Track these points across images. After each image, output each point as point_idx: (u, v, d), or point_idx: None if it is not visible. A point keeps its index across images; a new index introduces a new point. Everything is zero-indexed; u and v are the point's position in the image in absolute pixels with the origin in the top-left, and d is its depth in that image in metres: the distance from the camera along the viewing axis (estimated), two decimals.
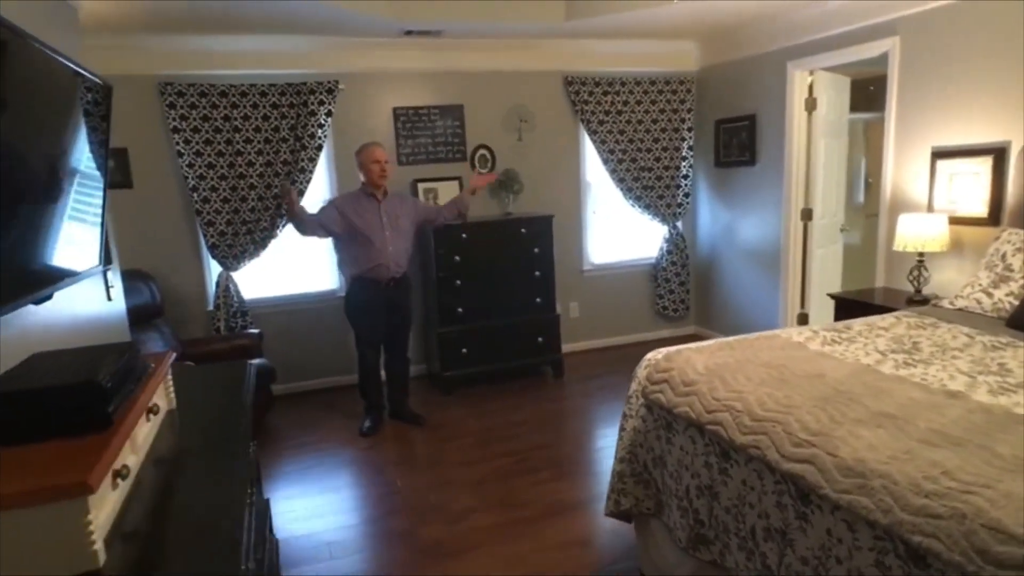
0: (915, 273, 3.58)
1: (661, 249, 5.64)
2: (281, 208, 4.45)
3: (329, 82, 4.57)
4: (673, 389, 2.13)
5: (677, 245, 5.63)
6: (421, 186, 4.93)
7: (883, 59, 3.88)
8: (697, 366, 2.16)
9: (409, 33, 4.50)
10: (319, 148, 4.59)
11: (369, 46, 4.63)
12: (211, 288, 4.57)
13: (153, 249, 4.40)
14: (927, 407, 1.73)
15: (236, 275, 4.55)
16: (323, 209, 3.92)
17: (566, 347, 5.42)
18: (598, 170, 5.40)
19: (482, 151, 5.09)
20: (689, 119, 5.49)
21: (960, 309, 2.94)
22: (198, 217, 4.40)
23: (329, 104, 4.58)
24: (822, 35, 4.29)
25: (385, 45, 4.65)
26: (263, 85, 4.44)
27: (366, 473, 3.55)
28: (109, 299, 2.78)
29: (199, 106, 4.32)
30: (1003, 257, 2.93)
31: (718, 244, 5.56)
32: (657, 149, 5.45)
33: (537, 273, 4.81)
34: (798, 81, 4.56)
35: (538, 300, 4.85)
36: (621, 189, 5.39)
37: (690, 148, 5.53)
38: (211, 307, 4.55)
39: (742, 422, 1.81)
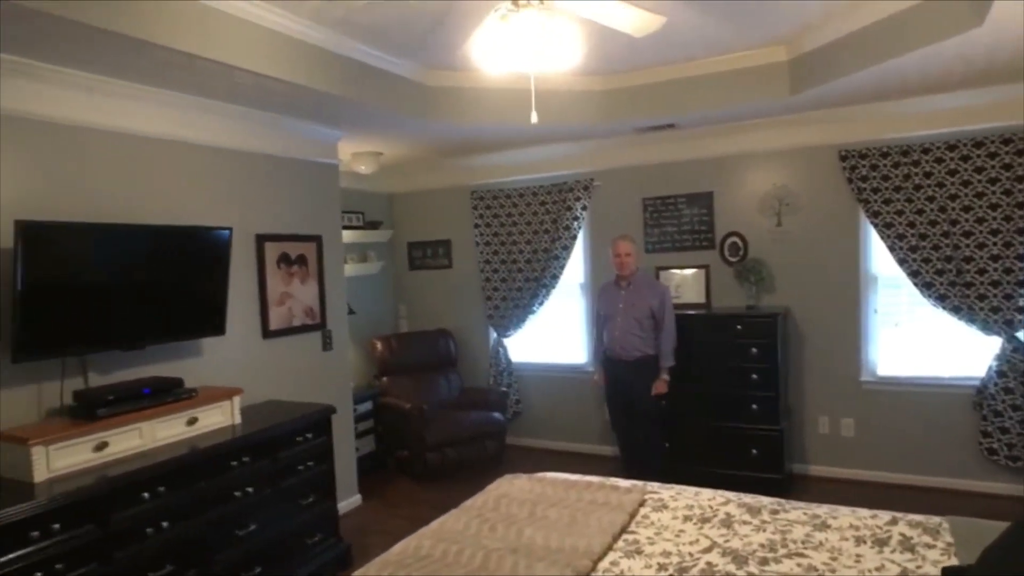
0: None
1: (990, 368, 4.18)
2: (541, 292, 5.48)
3: (585, 180, 5.33)
4: None
5: (1015, 366, 4.07)
6: (663, 274, 5.13)
7: None
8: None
9: (642, 130, 4.86)
10: (573, 238, 5.39)
11: (620, 145, 5.18)
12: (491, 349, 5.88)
13: (459, 314, 5.99)
14: None
15: (507, 340, 5.72)
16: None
17: (831, 471, 4.69)
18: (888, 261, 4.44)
19: (733, 239, 4.92)
20: None
21: None
22: (483, 292, 5.77)
23: (585, 199, 5.34)
24: None
25: (634, 142, 5.11)
26: (534, 187, 5.54)
27: None
28: (326, 349, 4.34)
29: (492, 206, 5.71)
30: None
31: None
32: (981, 232, 4.13)
33: (754, 377, 4.39)
34: None
35: (753, 407, 4.41)
36: (917, 285, 4.30)
37: None
38: (489, 364, 5.85)
39: None
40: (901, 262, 4.33)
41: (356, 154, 5.06)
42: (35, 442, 2.42)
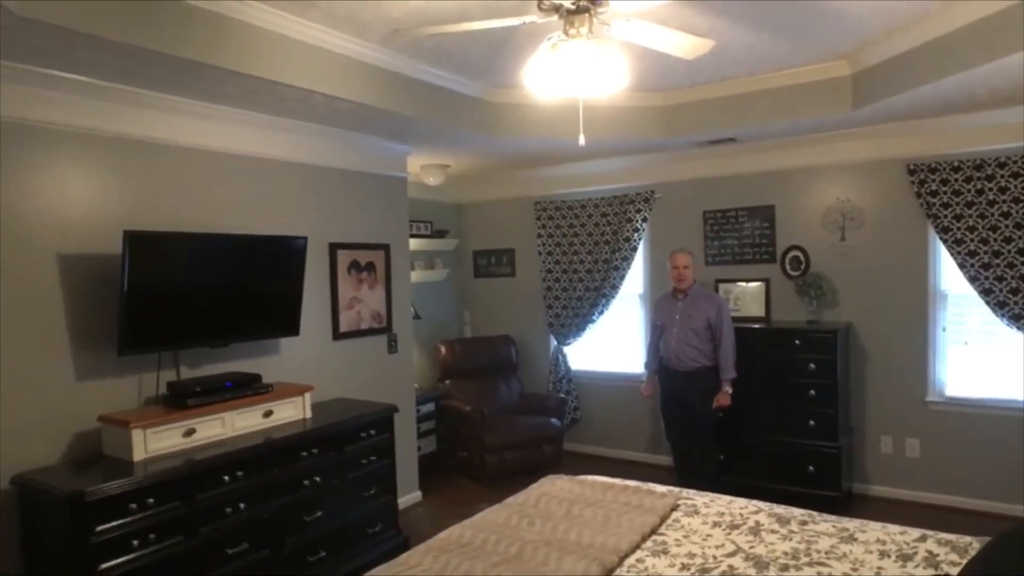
0: None
1: None
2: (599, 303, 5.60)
3: (646, 192, 5.43)
4: None
5: None
6: (722, 286, 5.16)
7: None
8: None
9: (702, 144, 4.93)
10: (634, 249, 5.50)
11: (681, 158, 5.26)
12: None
13: (521, 321, 6.18)
14: None
15: (566, 348, 5.88)
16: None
17: (894, 492, 4.63)
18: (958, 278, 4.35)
19: (794, 252, 4.92)
20: None
21: None
22: (544, 301, 5.94)
23: (645, 211, 5.45)
24: None
25: (694, 155, 5.18)
26: (596, 198, 5.68)
27: None
28: (391, 352, 4.63)
29: (555, 217, 5.89)
30: None
31: None
32: None
33: (812, 392, 4.38)
34: None
35: (811, 423, 4.40)
36: (990, 304, 4.19)
37: None
38: (548, 371, 6.01)
39: None
40: (972, 280, 4.23)
41: (424, 166, 5.34)
42: (135, 426, 2.76)
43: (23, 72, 2.64)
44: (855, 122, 4.28)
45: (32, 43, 2.41)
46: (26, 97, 2.71)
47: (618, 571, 1.89)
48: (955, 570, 1.84)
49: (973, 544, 1.99)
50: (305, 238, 3.71)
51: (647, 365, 4.89)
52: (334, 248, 4.17)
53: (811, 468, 4.39)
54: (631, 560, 1.95)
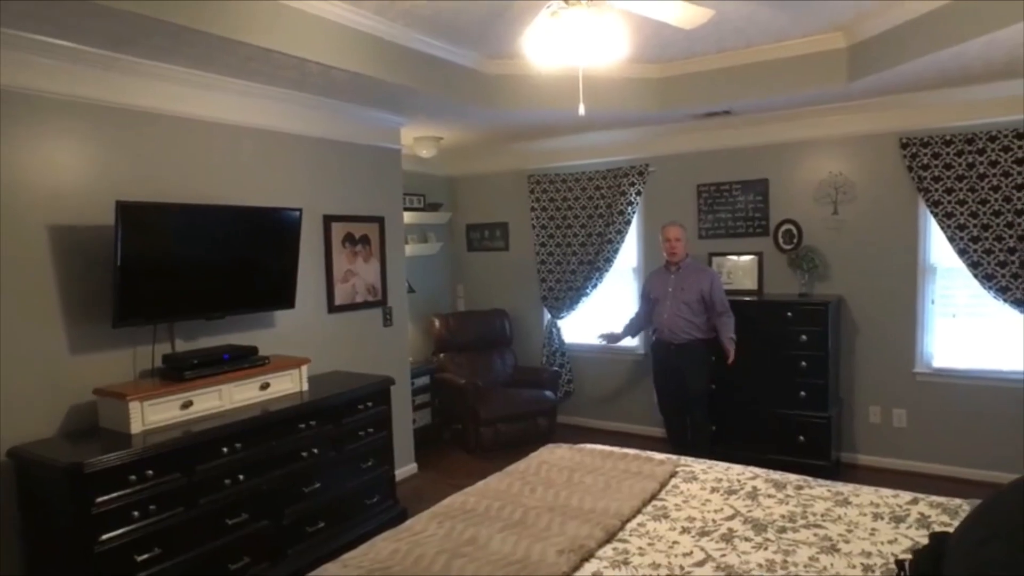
0: None
1: None
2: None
3: (640, 165, 5.43)
4: None
5: None
6: (716, 259, 5.19)
7: None
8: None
9: (697, 117, 4.91)
10: (627, 223, 5.51)
11: (676, 131, 5.25)
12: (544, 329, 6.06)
13: (515, 295, 6.19)
14: None
15: (560, 322, 5.90)
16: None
17: (882, 461, 4.74)
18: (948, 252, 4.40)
19: (787, 226, 4.94)
20: None
21: None
22: (537, 274, 5.95)
23: (639, 185, 5.44)
24: None
25: (689, 128, 5.17)
26: (590, 172, 5.67)
27: None
28: (386, 325, 4.63)
29: (548, 190, 5.87)
30: None
31: None
32: None
33: (803, 364, 4.44)
34: None
35: (802, 394, 4.46)
36: (978, 276, 4.25)
37: None
38: (542, 344, 6.04)
39: None
40: (961, 252, 4.28)
41: (418, 139, 5.29)
42: (132, 398, 2.75)
43: (12, 37, 2.58)
44: (850, 95, 4.28)
45: (21, 8, 2.35)
46: (15, 64, 2.64)
47: (620, 534, 1.93)
48: (948, 530, 1.89)
49: (963, 506, 2.05)
50: (300, 210, 3.68)
51: (627, 328, 4.91)
52: (328, 220, 4.15)
53: (801, 438, 4.47)
54: (633, 524, 1.99)
